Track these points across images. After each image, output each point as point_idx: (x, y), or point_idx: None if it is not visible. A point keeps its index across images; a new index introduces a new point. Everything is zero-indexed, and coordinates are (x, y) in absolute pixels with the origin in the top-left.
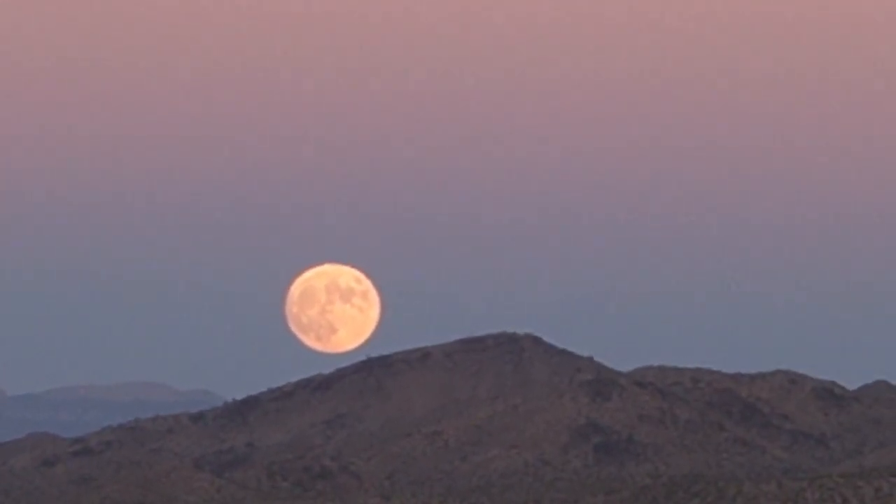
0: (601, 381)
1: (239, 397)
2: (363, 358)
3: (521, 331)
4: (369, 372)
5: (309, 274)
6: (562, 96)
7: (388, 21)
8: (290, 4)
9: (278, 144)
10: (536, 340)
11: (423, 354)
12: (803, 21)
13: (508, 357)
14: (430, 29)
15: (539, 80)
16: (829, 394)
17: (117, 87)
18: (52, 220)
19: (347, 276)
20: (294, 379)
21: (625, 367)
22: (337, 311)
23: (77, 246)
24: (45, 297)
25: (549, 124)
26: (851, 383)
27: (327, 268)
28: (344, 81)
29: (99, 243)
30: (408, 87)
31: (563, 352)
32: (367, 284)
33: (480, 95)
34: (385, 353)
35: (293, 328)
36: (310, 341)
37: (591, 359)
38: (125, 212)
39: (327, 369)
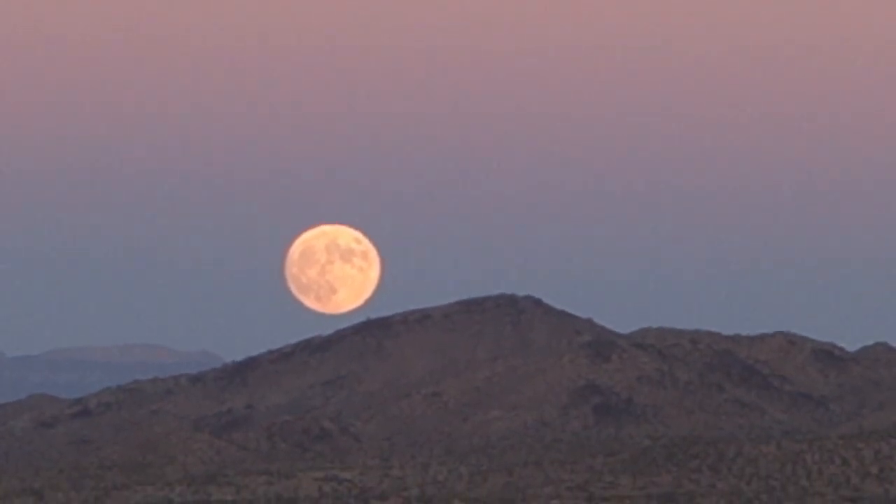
0: (600, 343)
1: (239, 359)
2: (363, 319)
3: (520, 292)
4: (369, 333)
5: (309, 234)
6: (558, 65)
7: None
8: None
9: (278, 104)
10: (536, 302)
11: (423, 316)
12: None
13: (508, 318)
14: None
15: (539, 49)
16: (828, 355)
17: (112, 54)
18: (50, 180)
19: (347, 236)
20: (294, 340)
21: (624, 328)
22: (337, 271)
23: (76, 206)
24: (44, 258)
25: (548, 90)
26: (851, 345)
27: (327, 228)
28: (342, 44)
29: (98, 204)
30: (407, 48)
31: (563, 313)
32: (367, 244)
33: (481, 60)
34: (385, 314)
35: (293, 289)
36: (309, 302)
37: (590, 320)
38: (123, 172)
39: (327, 330)
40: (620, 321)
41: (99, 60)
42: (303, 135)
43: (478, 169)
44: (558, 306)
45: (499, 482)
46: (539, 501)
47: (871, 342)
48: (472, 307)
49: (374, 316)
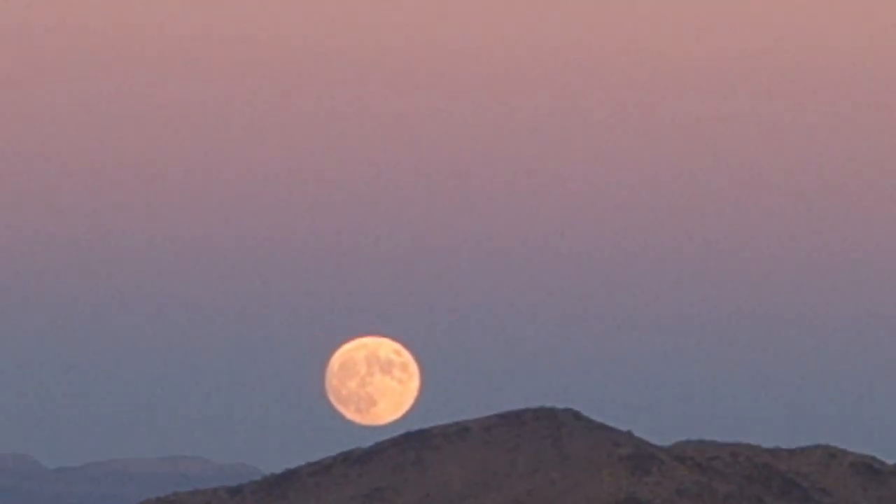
0: (640, 456)
1: (278, 471)
2: (402, 431)
3: (559, 405)
4: (408, 446)
5: (349, 346)
6: (601, 154)
7: (420, 76)
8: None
9: (318, 214)
10: (575, 415)
11: (462, 429)
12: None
13: (547, 431)
14: (464, 93)
15: (580, 143)
16: (868, 469)
17: (147, 144)
18: (86, 292)
19: (387, 347)
20: (333, 452)
21: (664, 441)
22: (377, 383)
23: (113, 319)
24: (82, 370)
25: (589, 204)
26: (891, 457)
27: (367, 340)
28: (381, 146)
29: (136, 317)
30: (441, 153)
31: (602, 426)
32: (407, 356)
33: (521, 165)
34: (425, 425)
35: (333, 401)
36: (350, 414)
37: (629, 433)
38: (162, 285)
39: (366, 442)
40: (660, 434)
41: (134, 156)
42: (342, 246)
43: (517, 283)
44: (598, 419)
45: None
46: None
47: None
48: (511, 420)
49: (413, 428)
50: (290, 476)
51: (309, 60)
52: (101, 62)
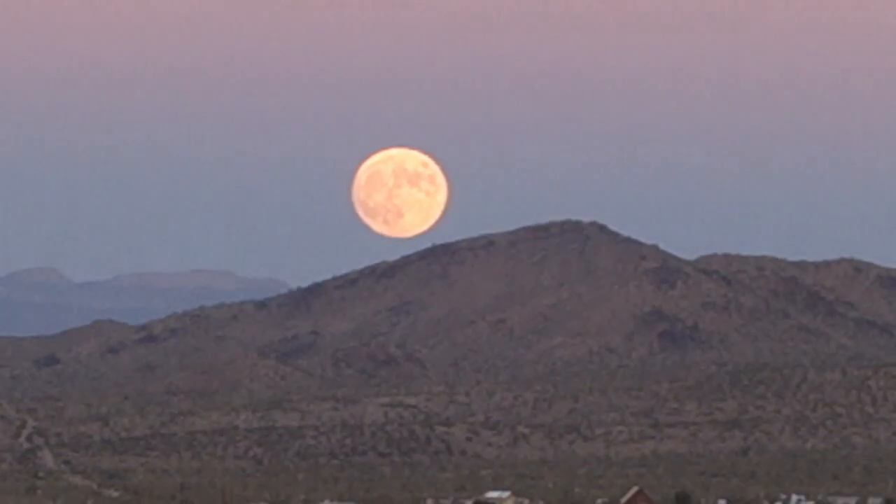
0: (666, 269)
1: (304, 284)
2: (429, 244)
3: (585, 218)
4: (434, 259)
5: (376, 158)
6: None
7: None
8: None
9: (344, 32)
10: (601, 228)
11: (488, 242)
12: None
13: (573, 245)
14: None
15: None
16: (893, 282)
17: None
18: (118, 109)
19: (414, 160)
20: (360, 264)
21: (689, 255)
22: (404, 194)
23: (143, 135)
24: (110, 186)
25: (612, 22)
26: None
27: (394, 152)
28: None
29: (163, 134)
30: None
31: (628, 240)
32: (434, 168)
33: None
34: (451, 238)
35: (360, 213)
36: (377, 226)
37: (655, 246)
38: (190, 101)
39: (393, 255)
40: (686, 247)
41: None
42: (368, 59)
43: (544, 98)
44: (624, 232)
45: (564, 408)
46: (604, 427)
47: None
48: (537, 233)
49: (439, 241)
50: (316, 290)
51: None
52: None
